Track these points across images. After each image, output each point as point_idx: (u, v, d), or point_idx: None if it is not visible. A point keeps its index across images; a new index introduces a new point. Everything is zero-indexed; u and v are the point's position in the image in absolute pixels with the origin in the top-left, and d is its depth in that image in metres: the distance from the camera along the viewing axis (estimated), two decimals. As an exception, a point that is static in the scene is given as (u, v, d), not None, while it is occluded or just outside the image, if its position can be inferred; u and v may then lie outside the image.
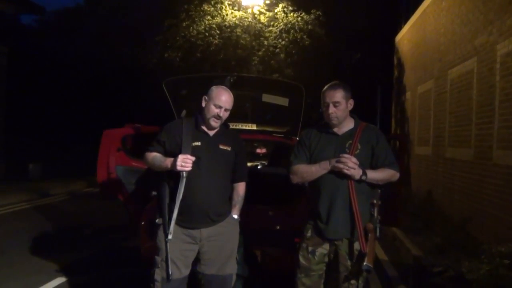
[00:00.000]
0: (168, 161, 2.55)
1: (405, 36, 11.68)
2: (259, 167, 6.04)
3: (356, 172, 2.46)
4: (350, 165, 2.45)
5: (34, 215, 8.01)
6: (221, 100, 2.61)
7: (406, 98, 11.39)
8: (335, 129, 2.63)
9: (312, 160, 2.62)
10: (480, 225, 5.80)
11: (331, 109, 2.55)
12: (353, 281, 2.52)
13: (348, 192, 2.49)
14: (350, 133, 2.61)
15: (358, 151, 2.54)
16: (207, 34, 11.63)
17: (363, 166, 2.51)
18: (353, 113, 2.69)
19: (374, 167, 2.57)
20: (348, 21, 13.49)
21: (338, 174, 2.50)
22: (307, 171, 2.59)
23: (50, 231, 6.69)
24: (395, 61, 12.79)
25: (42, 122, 16.62)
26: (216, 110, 2.61)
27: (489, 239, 5.15)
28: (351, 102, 2.63)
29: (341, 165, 2.46)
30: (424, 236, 5.97)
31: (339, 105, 2.55)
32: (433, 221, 6.67)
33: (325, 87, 2.64)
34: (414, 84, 10.45)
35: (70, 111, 16.93)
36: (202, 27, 11.63)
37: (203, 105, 2.67)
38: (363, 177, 2.48)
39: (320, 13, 12.03)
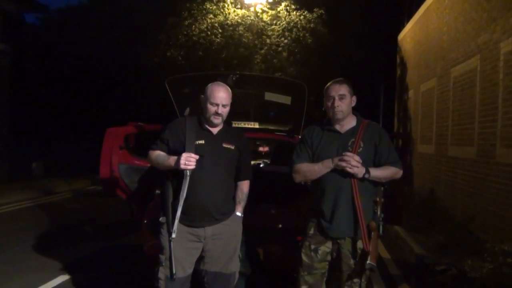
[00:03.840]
0: (172, 160, 2.55)
1: (408, 34, 11.65)
2: (261, 165, 6.04)
3: (359, 171, 2.46)
4: (353, 163, 2.44)
5: (38, 213, 8.05)
6: (216, 97, 2.60)
7: (409, 96, 11.36)
8: (337, 127, 2.62)
9: (314, 159, 2.62)
10: (483, 223, 5.78)
11: (337, 102, 2.55)
12: (356, 280, 2.52)
13: (351, 190, 2.49)
14: (353, 131, 2.60)
15: (361, 149, 2.54)
16: (209, 32, 11.64)
17: (366, 164, 2.50)
18: (355, 110, 2.69)
19: (377, 164, 2.57)
20: (351, 20, 13.46)
21: (341, 172, 2.50)
22: (309, 170, 2.59)
23: (54, 229, 6.72)
24: (398, 60, 12.75)
25: (46, 121, 16.67)
26: (213, 109, 2.60)
27: (492, 238, 5.14)
28: (354, 98, 2.64)
29: (344, 164, 2.46)
30: (426, 234, 5.97)
31: (344, 98, 2.56)
32: (436, 219, 6.66)
33: (329, 83, 2.65)
34: (417, 83, 10.42)
35: (73, 109, 16.97)
36: (205, 25, 11.64)
37: (202, 104, 2.67)
38: (366, 175, 2.48)
39: (323, 12, 12.02)
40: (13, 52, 12.73)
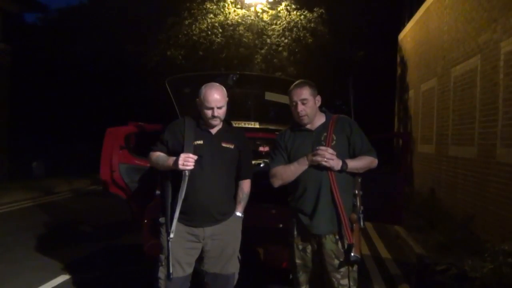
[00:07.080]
0: (171, 160, 2.55)
1: (408, 34, 11.64)
2: (261, 165, 6.03)
3: (335, 163, 2.46)
4: (328, 156, 2.45)
5: (38, 213, 8.05)
6: (210, 101, 2.58)
7: (409, 96, 11.36)
8: (308, 126, 2.63)
9: (290, 160, 2.62)
10: (483, 223, 5.78)
11: (300, 107, 2.56)
12: (343, 282, 2.51)
13: (330, 185, 2.49)
14: (324, 126, 2.62)
15: (334, 142, 2.55)
16: (209, 32, 11.63)
17: (342, 156, 2.51)
18: (322, 107, 2.70)
19: (352, 156, 2.58)
20: (351, 19, 13.46)
21: (318, 168, 2.50)
22: (285, 172, 2.58)
23: (54, 228, 6.72)
24: (398, 59, 12.75)
25: (46, 120, 16.67)
26: (209, 112, 2.60)
27: (492, 237, 5.14)
28: (318, 98, 2.64)
29: (319, 158, 2.46)
30: (427, 234, 5.97)
31: (307, 102, 2.56)
32: (436, 219, 6.65)
33: (291, 86, 2.65)
34: (417, 82, 10.42)
35: (73, 109, 16.97)
36: (205, 25, 11.63)
37: (198, 107, 2.66)
38: (344, 167, 2.48)
39: (323, 11, 12.00)
40: (13, 52, 12.73)
